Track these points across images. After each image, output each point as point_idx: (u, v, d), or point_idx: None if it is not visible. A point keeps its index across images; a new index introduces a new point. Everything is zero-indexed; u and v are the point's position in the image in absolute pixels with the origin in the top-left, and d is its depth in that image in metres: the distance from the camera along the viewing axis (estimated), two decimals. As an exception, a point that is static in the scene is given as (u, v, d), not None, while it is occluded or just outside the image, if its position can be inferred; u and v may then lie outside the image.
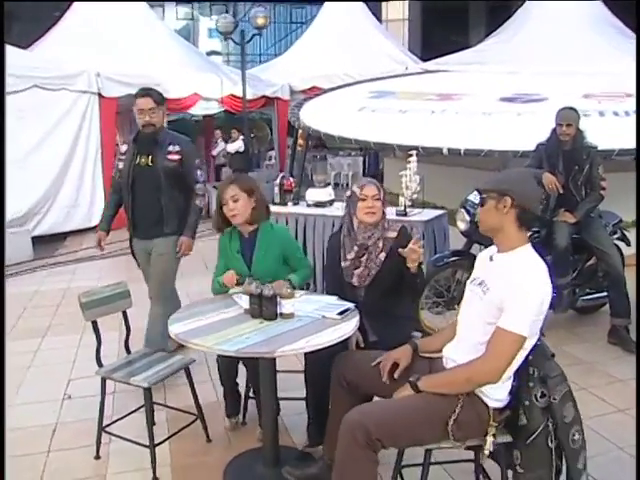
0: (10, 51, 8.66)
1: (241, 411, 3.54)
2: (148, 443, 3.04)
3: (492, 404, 2.31)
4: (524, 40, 10.19)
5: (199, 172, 4.18)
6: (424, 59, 13.08)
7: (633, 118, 7.61)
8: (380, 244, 3.09)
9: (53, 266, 7.53)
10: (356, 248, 3.12)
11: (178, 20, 35.25)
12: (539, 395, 2.26)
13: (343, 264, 3.15)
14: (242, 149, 11.06)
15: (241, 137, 11.09)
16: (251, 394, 3.43)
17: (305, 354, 3.21)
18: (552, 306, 4.84)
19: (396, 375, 2.53)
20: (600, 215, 4.84)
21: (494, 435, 2.30)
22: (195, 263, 7.46)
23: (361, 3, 15.00)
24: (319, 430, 2.98)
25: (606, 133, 6.91)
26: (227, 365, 3.32)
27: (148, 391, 3.08)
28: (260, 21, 10.87)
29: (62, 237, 8.80)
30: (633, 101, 8.00)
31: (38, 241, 8.17)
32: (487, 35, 12.35)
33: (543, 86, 8.37)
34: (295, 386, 3.37)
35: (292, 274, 3.24)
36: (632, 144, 6.77)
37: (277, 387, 3.17)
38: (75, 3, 11.19)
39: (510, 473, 2.41)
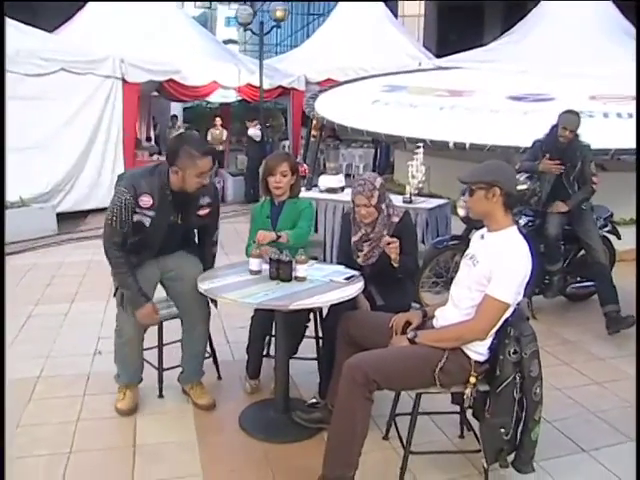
0: (37, 34, 9.07)
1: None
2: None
3: (473, 356, 2.70)
4: (536, 41, 10.38)
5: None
6: (438, 55, 13.33)
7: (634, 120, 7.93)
8: (385, 232, 3.45)
9: (77, 240, 7.92)
10: (359, 234, 3.52)
11: (196, 8, 35.58)
12: (512, 351, 2.64)
13: (352, 240, 3.56)
14: (258, 138, 11.37)
15: (258, 126, 11.42)
16: (266, 353, 3.87)
17: (323, 320, 3.61)
18: (542, 291, 5.21)
19: (409, 330, 2.89)
20: (592, 208, 5.18)
21: (474, 384, 2.69)
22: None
23: (378, -2, 15.24)
24: (328, 385, 3.35)
25: (608, 133, 7.25)
26: (260, 328, 3.72)
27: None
28: (279, 14, 11.18)
29: (83, 215, 9.14)
30: (636, 104, 8.30)
31: (61, 218, 8.51)
32: (502, 34, 12.60)
33: (551, 86, 8.63)
34: (306, 350, 3.82)
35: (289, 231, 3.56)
36: (631, 145, 7.13)
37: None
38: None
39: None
